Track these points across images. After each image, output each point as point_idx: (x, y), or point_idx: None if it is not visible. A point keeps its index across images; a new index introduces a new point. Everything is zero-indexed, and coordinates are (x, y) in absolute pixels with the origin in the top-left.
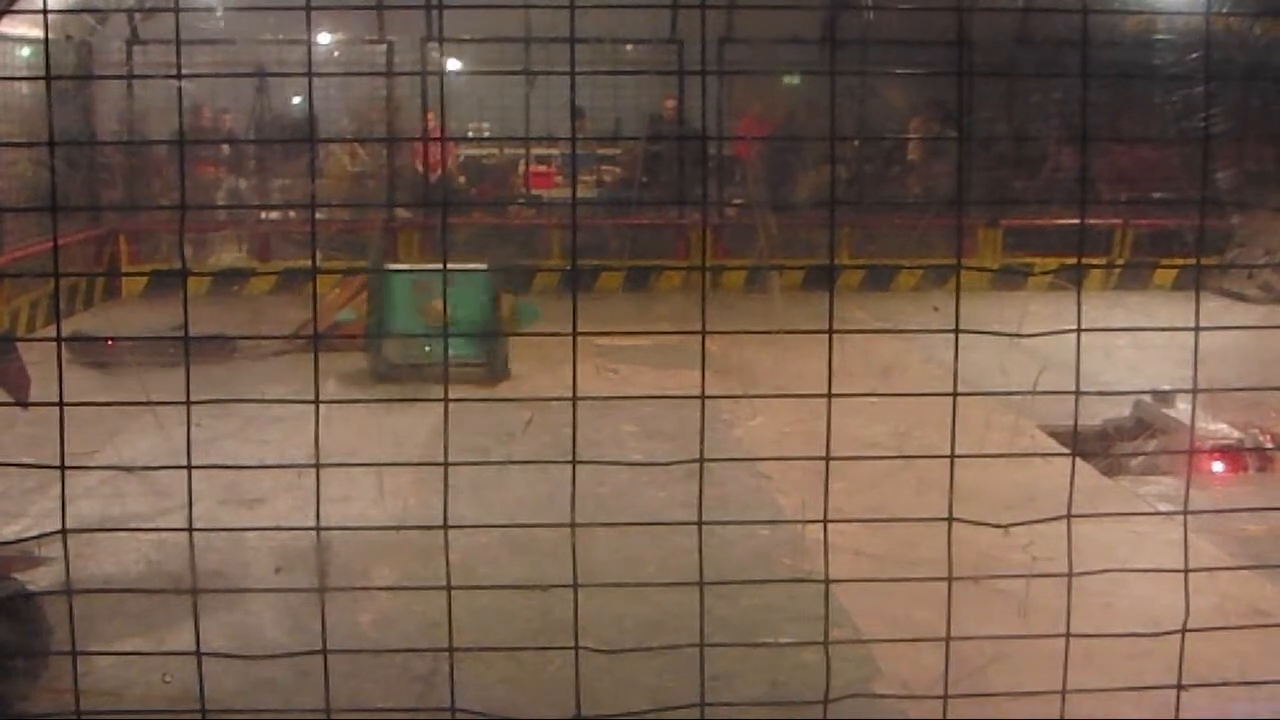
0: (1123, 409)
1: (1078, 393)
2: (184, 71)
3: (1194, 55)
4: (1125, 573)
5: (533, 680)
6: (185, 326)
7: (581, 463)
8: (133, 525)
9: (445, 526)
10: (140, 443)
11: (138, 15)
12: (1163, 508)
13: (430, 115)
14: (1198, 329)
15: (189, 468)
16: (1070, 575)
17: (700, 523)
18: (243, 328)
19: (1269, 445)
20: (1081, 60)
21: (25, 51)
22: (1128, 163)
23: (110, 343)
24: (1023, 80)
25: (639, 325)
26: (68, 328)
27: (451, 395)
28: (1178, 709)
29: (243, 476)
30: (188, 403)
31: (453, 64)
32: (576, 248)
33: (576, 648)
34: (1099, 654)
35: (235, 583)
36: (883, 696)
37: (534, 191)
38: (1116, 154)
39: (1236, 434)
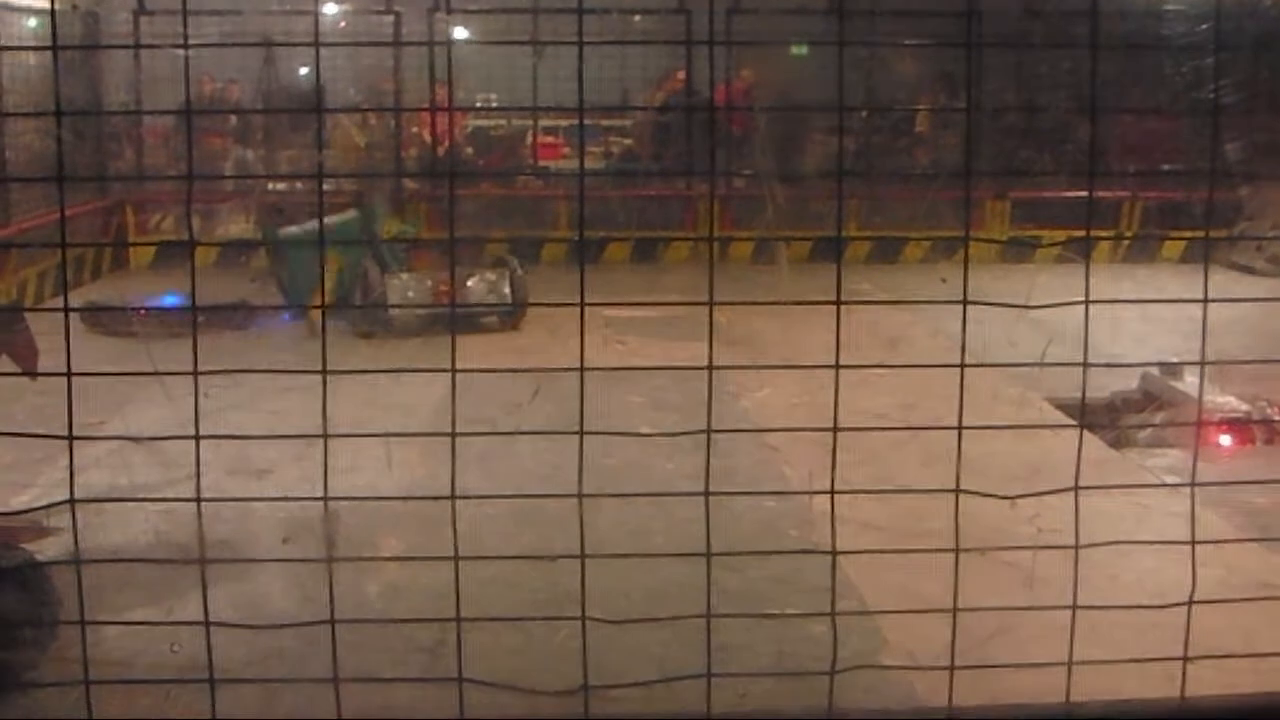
0: (1130, 381)
1: (1085, 365)
2: (191, 42)
3: (1204, 26)
4: (1132, 545)
5: (540, 650)
6: (192, 297)
7: (589, 433)
8: (141, 496)
9: (453, 497)
10: (149, 412)
11: None
12: (1170, 480)
13: (439, 86)
14: (1206, 301)
15: (196, 438)
16: (1077, 547)
17: (707, 494)
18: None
19: (1277, 418)
20: (1091, 31)
21: (32, 22)
22: (1137, 135)
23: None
24: (1031, 51)
25: (646, 297)
26: (75, 298)
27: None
28: (1184, 681)
29: (250, 447)
30: (195, 373)
31: (460, 34)
32: (584, 219)
33: (584, 618)
34: (1105, 626)
35: (243, 553)
36: (889, 668)
37: (541, 162)
38: (1125, 126)
39: (1244, 406)
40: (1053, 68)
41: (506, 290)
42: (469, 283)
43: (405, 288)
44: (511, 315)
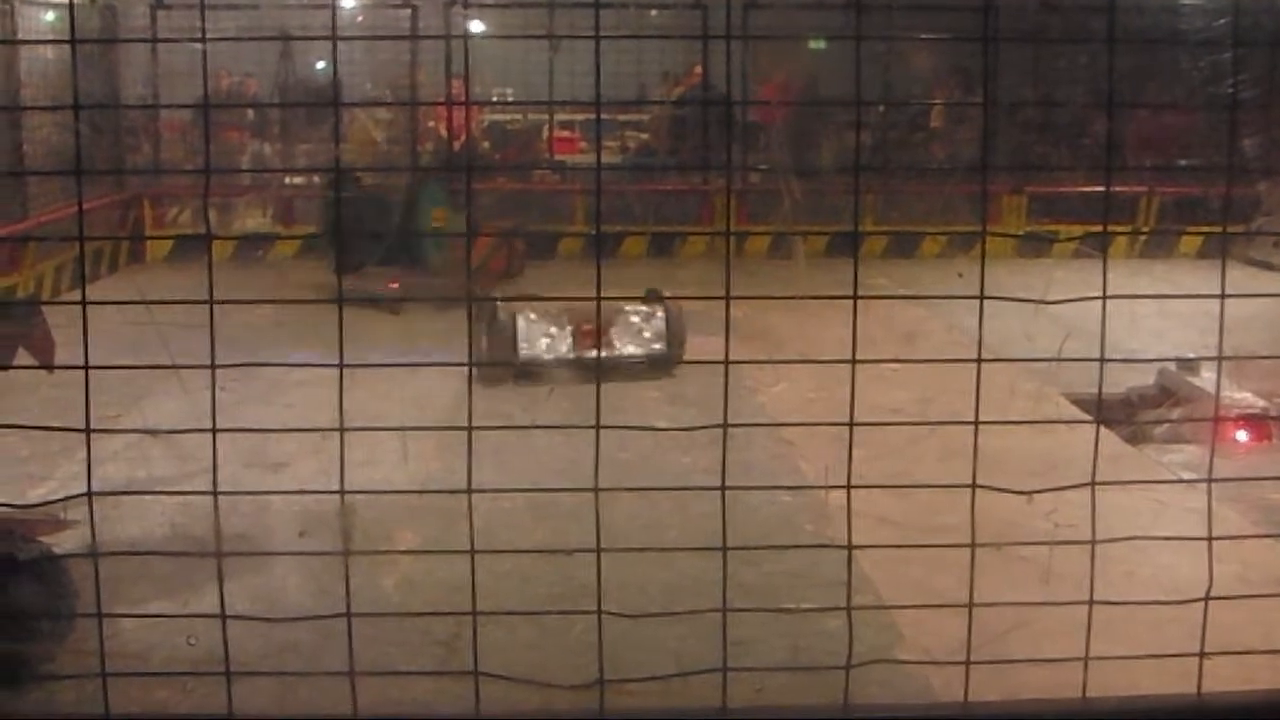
0: (1147, 377)
1: (1102, 360)
2: (208, 36)
3: (1221, 21)
4: (1148, 540)
5: (556, 644)
6: (210, 291)
7: (605, 427)
8: (158, 489)
9: (469, 491)
10: (166, 405)
11: None
12: (1186, 476)
13: (455, 80)
14: (1223, 296)
15: (214, 431)
16: (1093, 542)
17: (723, 488)
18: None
19: None
20: (1108, 25)
21: (50, 15)
22: (1154, 129)
23: None
24: (1048, 46)
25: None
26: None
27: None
28: (1200, 677)
29: (267, 440)
30: (212, 366)
31: (476, 29)
32: (600, 213)
33: (599, 612)
34: (1121, 621)
35: (259, 546)
36: (905, 663)
37: (557, 157)
38: (1142, 121)
39: (1261, 402)
40: (1070, 62)
41: (661, 331)
42: (616, 323)
43: (541, 330)
44: (667, 361)
